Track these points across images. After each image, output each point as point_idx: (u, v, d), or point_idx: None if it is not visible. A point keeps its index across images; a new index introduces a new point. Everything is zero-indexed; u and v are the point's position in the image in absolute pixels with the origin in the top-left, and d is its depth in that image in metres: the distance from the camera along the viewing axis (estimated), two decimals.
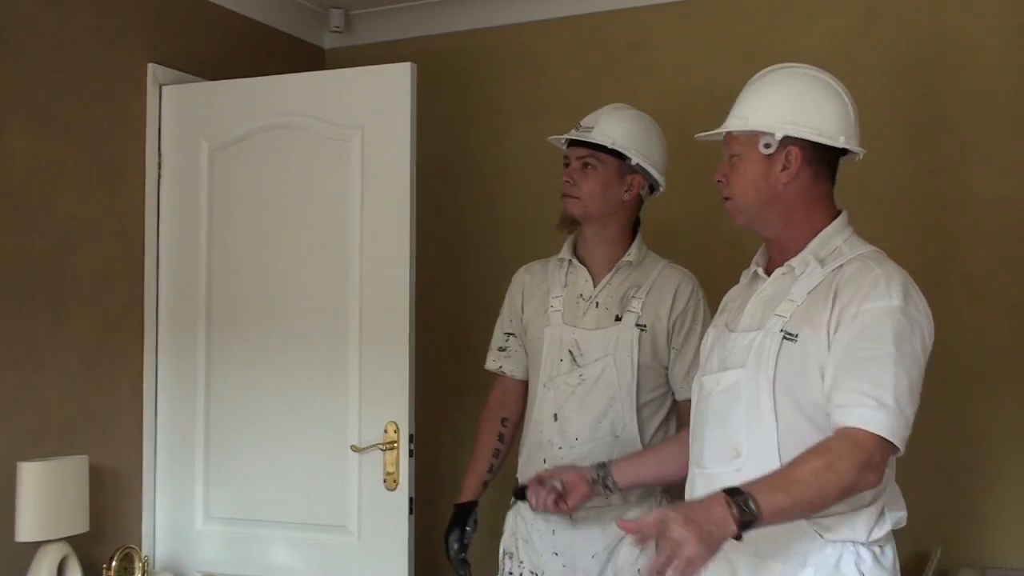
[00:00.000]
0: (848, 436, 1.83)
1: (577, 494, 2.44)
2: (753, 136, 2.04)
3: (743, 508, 1.73)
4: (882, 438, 1.82)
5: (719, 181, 2.12)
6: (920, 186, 3.36)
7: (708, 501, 1.77)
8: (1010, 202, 3.24)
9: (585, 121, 2.77)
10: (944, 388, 3.22)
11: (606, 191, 2.73)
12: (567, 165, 2.78)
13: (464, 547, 2.89)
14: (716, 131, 2.13)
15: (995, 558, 3.21)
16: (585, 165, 2.73)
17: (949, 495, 3.25)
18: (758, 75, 2.14)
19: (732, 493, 1.75)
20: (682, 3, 3.70)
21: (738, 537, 1.74)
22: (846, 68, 3.25)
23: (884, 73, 3.39)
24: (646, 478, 2.49)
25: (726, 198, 2.11)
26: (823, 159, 2.06)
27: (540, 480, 2.49)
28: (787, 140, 2.02)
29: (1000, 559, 3.20)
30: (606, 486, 2.43)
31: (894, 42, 3.40)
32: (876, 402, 1.83)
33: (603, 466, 2.47)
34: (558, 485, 2.45)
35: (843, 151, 2.09)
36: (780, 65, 2.14)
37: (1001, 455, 3.22)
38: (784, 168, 2.03)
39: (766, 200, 2.06)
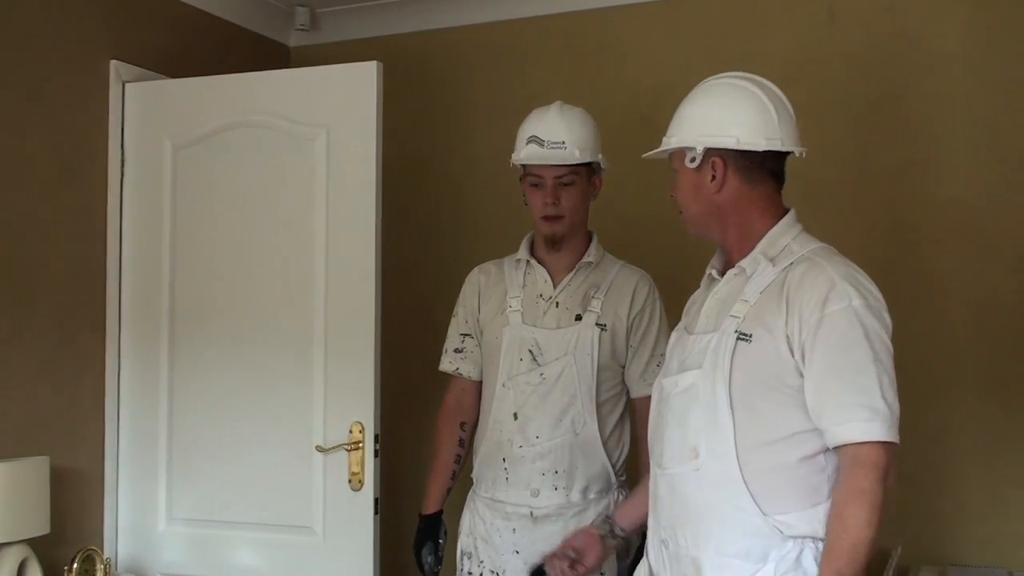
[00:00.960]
0: (848, 470, 1.89)
1: (592, 554, 2.44)
2: (681, 152, 2.12)
3: None
4: (886, 444, 1.89)
5: (672, 196, 2.20)
6: (882, 187, 3.39)
7: None
8: (970, 202, 3.27)
9: (545, 134, 2.70)
10: (905, 387, 3.21)
11: (584, 201, 2.77)
12: (535, 185, 2.73)
13: (439, 560, 2.90)
14: (647, 154, 2.22)
15: (955, 556, 3.24)
16: (564, 184, 2.71)
17: (910, 494, 3.27)
18: (690, 95, 2.19)
19: None
20: (650, 4, 3.72)
21: None
22: (809, 70, 3.32)
23: (846, 74, 3.42)
24: (645, 515, 2.48)
25: (680, 211, 2.19)
26: (753, 164, 2.09)
27: (554, 555, 2.48)
28: (710, 151, 2.08)
29: (960, 557, 3.24)
30: (614, 535, 2.46)
31: (855, 44, 3.43)
32: (869, 411, 1.88)
33: (607, 519, 2.49)
34: (571, 553, 2.45)
35: (782, 156, 2.12)
36: (707, 79, 2.18)
37: (961, 454, 3.26)
38: (713, 178, 2.09)
39: (704, 210, 2.13)
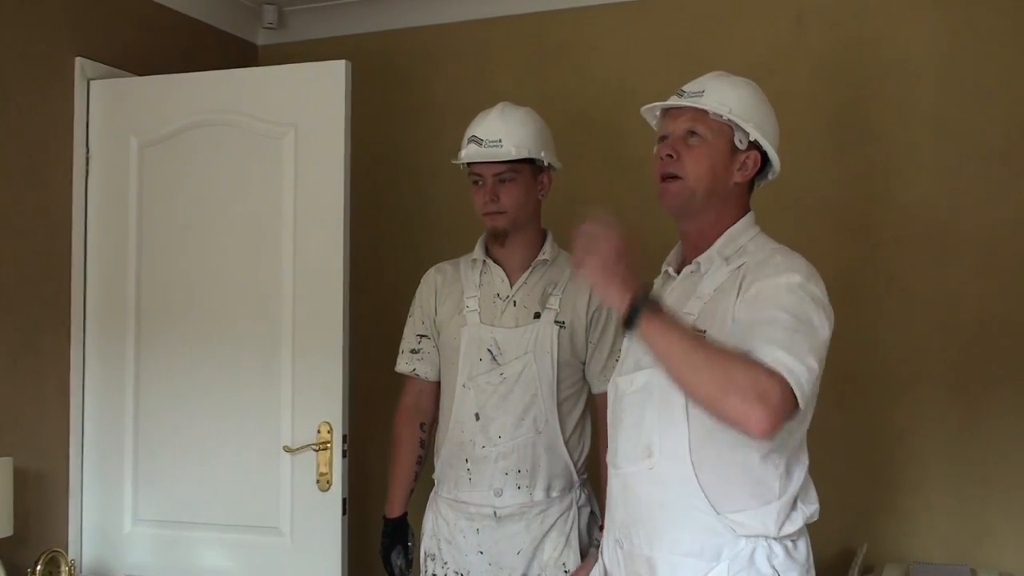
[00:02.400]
0: (764, 367, 1.80)
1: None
2: (727, 127, 2.07)
3: (637, 305, 1.84)
4: (785, 384, 1.78)
5: (668, 156, 2.08)
6: (847, 189, 3.41)
7: (630, 281, 1.87)
8: (933, 205, 3.30)
9: (484, 133, 2.73)
10: (869, 387, 3.30)
11: (528, 198, 2.76)
12: (476, 182, 2.76)
13: (409, 563, 2.90)
14: (698, 104, 2.07)
15: (919, 554, 3.28)
16: (503, 180, 2.73)
17: (874, 492, 3.31)
18: (718, 72, 2.16)
19: (648, 299, 1.86)
20: (617, 4, 3.72)
21: (624, 318, 1.86)
22: (777, 72, 3.34)
23: (814, 77, 3.45)
24: None
25: (672, 176, 2.08)
26: (758, 172, 2.14)
27: None
28: (754, 144, 2.08)
29: (924, 554, 3.27)
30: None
31: (823, 47, 3.46)
32: (784, 351, 1.81)
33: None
34: None
35: (759, 173, 2.16)
36: (738, 75, 2.18)
37: (924, 453, 3.29)
38: (740, 169, 2.09)
39: (716, 190, 2.08)
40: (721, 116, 2.05)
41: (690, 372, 1.82)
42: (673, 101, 2.12)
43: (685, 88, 2.13)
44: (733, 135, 2.07)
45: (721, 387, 1.78)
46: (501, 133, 2.71)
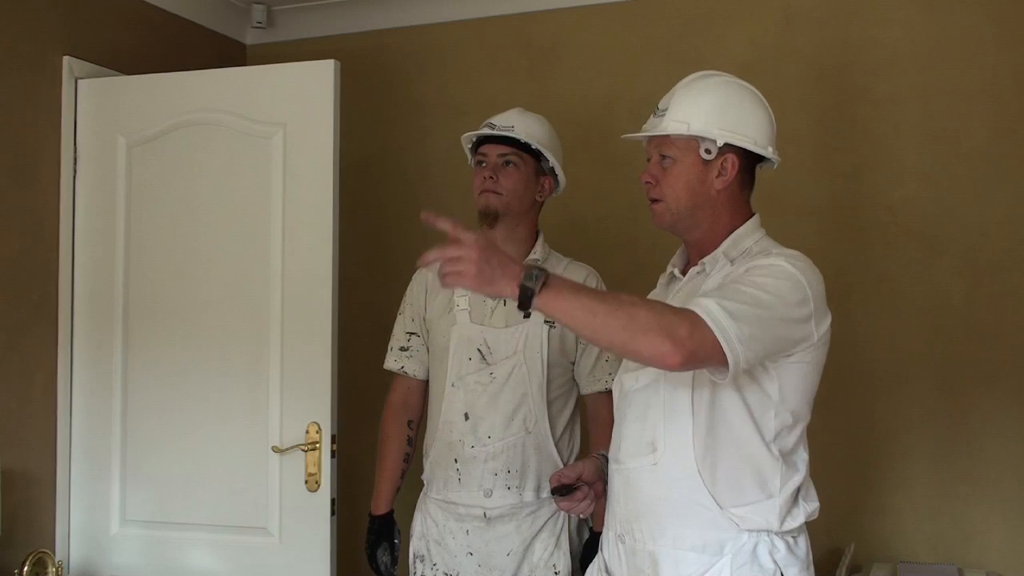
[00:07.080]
0: (678, 309, 1.82)
1: (588, 469, 2.28)
2: (692, 141, 2.07)
3: (528, 282, 1.74)
4: (698, 321, 1.77)
5: (647, 183, 2.13)
6: (835, 190, 3.43)
7: (509, 267, 1.76)
8: (920, 205, 3.32)
9: (499, 120, 2.77)
10: (857, 387, 3.31)
11: (526, 190, 2.77)
12: (480, 163, 2.78)
13: (395, 560, 2.90)
14: (654, 132, 2.11)
15: (907, 553, 3.29)
16: (507, 162, 2.75)
17: (862, 492, 3.32)
18: (689, 79, 2.16)
19: (534, 274, 1.75)
20: (604, 6, 3.73)
21: (519, 303, 1.76)
22: (765, 73, 3.34)
23: (801, 78, 3.46)
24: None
25: (655, 200, 2.12)
26: (750, 168, 2.13)
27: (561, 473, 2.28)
28: (725, 147, 2.07)
29: (911, 554, 3.28)
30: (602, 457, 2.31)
31: (811, 48, 3.47)
32: (717, 300, 1.81)
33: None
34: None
35: (760, 160, 2.15)
36: (709, 72, 2.17)
37: (912, 453, 3.30)
38: (720, 174, 2.08)
39: (698, 204, 2.09)
40: (682, 135, 2.07)
41: (598, 324, 1.76)
42: (634, 134, 2.17)
43: (660, 104, 2.14)
44: (700, 147, 2.07)
45: (627, 329, 1.74)
46: (514, 121, 2.76)
